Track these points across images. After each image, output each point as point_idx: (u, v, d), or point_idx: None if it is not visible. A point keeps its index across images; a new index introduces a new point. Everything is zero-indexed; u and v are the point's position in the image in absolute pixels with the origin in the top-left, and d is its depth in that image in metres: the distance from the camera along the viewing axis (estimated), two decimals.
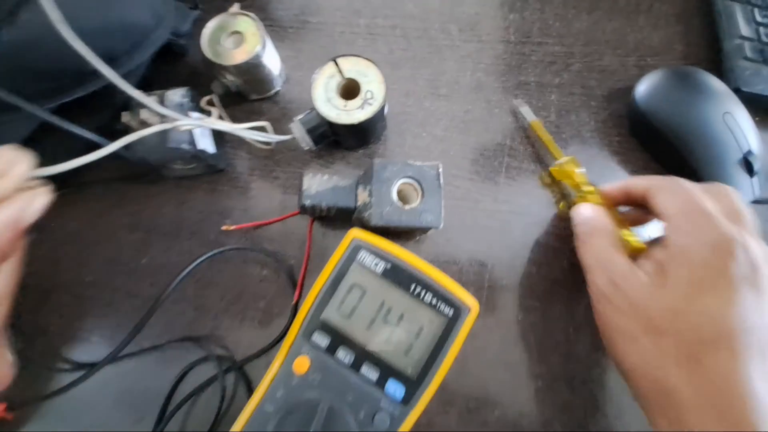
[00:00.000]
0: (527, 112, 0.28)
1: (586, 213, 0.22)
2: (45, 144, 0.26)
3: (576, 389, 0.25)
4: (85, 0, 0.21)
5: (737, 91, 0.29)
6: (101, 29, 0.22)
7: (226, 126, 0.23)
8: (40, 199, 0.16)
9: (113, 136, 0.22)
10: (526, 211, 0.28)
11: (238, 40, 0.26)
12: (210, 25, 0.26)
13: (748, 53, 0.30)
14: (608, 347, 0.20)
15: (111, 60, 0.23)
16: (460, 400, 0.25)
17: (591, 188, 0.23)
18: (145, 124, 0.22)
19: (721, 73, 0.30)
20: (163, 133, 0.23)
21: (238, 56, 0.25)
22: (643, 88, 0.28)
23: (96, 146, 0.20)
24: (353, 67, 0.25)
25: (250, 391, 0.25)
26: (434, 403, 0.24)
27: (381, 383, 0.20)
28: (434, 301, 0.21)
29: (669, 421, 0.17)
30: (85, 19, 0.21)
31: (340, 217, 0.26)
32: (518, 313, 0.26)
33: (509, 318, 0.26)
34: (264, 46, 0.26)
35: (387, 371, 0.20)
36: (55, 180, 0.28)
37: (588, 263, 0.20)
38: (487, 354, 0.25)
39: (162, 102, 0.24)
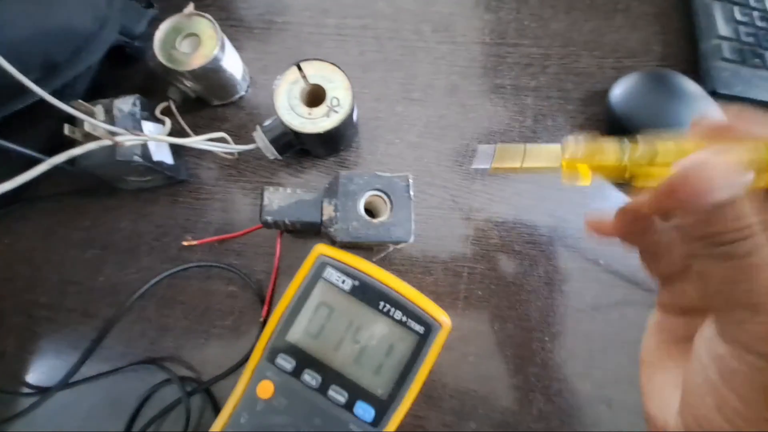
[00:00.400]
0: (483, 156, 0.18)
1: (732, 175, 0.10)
2: None
3: (552, 399, 0.25)
4: (16, 6, 0.19)
5: (713, 93, 0.28)
6: (37, 36, 0.20)
7: (180, 140, 0.22)
8: None
9: (61, 149, 0.20)
10: (502, 218, 0.27)
11: (195, 44, 0.24)
12: (163, 28, 0.24)
13: (726, 54, 0.29)
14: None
15: (51, 68, 0.21)
16: (436, 415, 0.24)
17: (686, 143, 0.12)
18: (90, 137, 0.21)
19: (698, 74, 0.29)
20: (111, 147, 0.21)
21: (194, 61, 0.24)
22: (618, 91, 0.28)
23: (37, 162, 0.19)
24: (318, 72, 0.24)
25: (217, 413, 0.24)
26: (408, 418, 0.23)
27: (350, 405, 0.19)
28: (404, 319, 0.20)
29: None
30: (17, 27, 0.19)
31: (306, 230, 0.25)
32: (494, 323, 0.26)
33: (485, 329, 0.25)
34: (223, 49, 0.24)
35: (356, 393, 0.19)
36: (2, 197, 0.26)
37: (758, 301, 0.10)
38: (463, 366, 0.25)
39: (110, 111, 0.22)
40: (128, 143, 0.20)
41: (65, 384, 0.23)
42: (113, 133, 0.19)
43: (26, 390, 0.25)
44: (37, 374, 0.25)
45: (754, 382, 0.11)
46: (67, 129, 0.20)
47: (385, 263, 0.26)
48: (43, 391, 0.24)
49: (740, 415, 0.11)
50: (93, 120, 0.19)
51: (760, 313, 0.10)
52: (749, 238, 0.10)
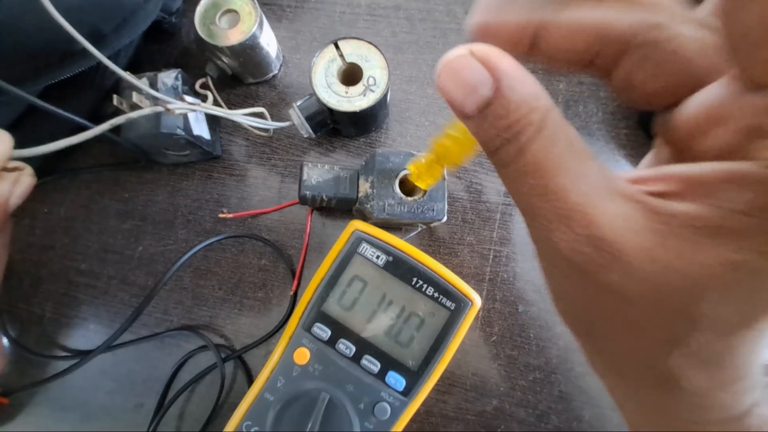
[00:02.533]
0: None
1: (474, 72, 0.09)
2: (31, 129, 0.25)
3: (572, 381, 0.25)
4: None
5: None
6: (87, 5, 0.20)
7: (223, 112, 0.22)
8: (25, 182, 0.15)
9: (102, 121, 0.21)
10: None
11: (234, 20, 0.25)
12: (204, 3, 0.24)
13: None
14: (574, 328, 0.13)
15: (98, 39, 0.22)
16: (459, 391, 0.25)
17: None
18: (136, 108, 0.21)
19: None
20: (156, 119, 0.22)
21: (233, 37, 0.24)
22: None
23: (83, 130, 0.19)
24: (355, 51, 0.24)
25: (250, 379, 0.25)
26: (432, 393, 0.24)
27: (382, 375, 0.20)
28: (436, 295, 0.21)
29: (659, 408, 0.12)
30: None
31: (341, 208, 0.25)
32: (518, 305, 0.26)
33: (509, 311, 0.26)
34: (261, 27, 0.25)
35: (388, 363, 0.20)
36: (45, 166, 0.27)
37: (526, 203, 0.10)
38: (486, 345, 0.26)
39: (154, 85, 0.22)
40: (177, 111, 0.20)
41: (107, 347, 0.25)
42: (163, 103, 0.20)
43: (64, 353, 0.26)
44: (74, 338, 0.27)
45: (548, 281, 0.12)
46: (115, 99, 0.21)
47: (413, 243, 0.27)
48: (83, 354, 0.25)
49: (558, 309, 0.12)
50: (151, 90, 0.19)
51: (532, 218, 0.10)
52: (508, 144, 0.09)
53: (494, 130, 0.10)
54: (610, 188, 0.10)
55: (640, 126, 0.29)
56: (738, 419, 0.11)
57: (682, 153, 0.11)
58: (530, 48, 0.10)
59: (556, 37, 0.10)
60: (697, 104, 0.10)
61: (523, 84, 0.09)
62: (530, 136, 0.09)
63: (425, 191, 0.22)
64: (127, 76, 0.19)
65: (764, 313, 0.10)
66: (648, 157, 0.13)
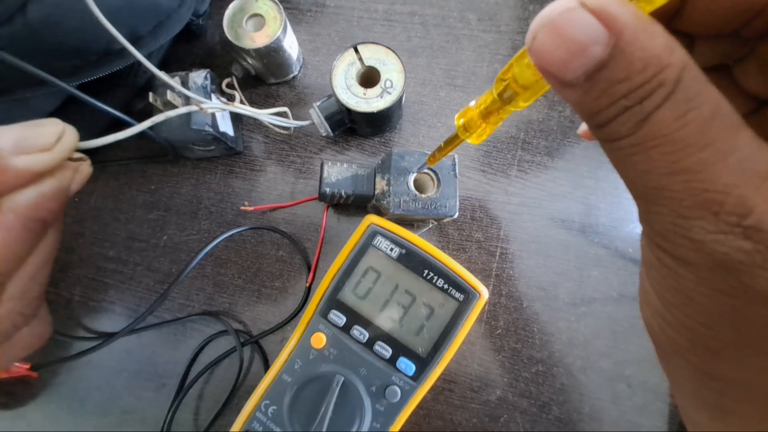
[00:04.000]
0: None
1: (586, 26, 0.07)
2: (66, 122, 0.26)
3: (573, 375, 0.26)
4: None
5: None
6: (126, 8, 0.22)
7: (252, 111, 0.24)
8: (84, 171, 0.17)
9: (133, 117, 0.23)
10: (536, 203, 0.28)
11: (259, 23, 0.26)
12: (232, 7, 0.26)
13: None
14: (681, 347, 0.10)
15: (135, 40, 0.23)
16: (464, 380, 0.26)
17: None
18: (169, 105, 0.23)
19: None
20: (187, 115, 0.23)
21: (258, 39, 0.26)
22: None
23: (119, 124, 0.21)
24: (373, 55, 0.25)
25: (266, 363, 0.27)
26: (439, 381, 0.25)
27: (393, 360, 0.21)
28: (446, 286, 0.22)
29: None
30: None
31: (356, 205, 0.26)
32: (523, 301, 0.27)
33: (514, 305, 0.27)
34: (285, 31, 0.26)
35: (399, 350, 0.21)
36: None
37: (652, 185, 0.08)
38: (491, 338, 0.27)
39: (185, 84, 0.24)
40: (210, 110, 0.22)
41: (131, 330, 0.26)
42: (197, 102, 0.21)
43: (90, 335, 0.28)
44: (101, 321, 0.28)
45: (666, 282, 0.09)
46: (151, 97, 0.23)
47: (424, 239, 0.28)
48: (108, 336, 0.27)
49: (660, 315, 0.10)
50: (186, 90, 0.21)
51: (655, 203, 0.08)
52: (628, 111, 0.07)
53: (608, 98, 0.08)
54: None
55: None
56: None
57: None
58: (674, 15, 0.08)
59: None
60: None
61: (651, 37, 0.07)
62: (659, 100, 0.07)
63: (438, 188, 0.23)
64: (163, 75, 0.20)
65: None
66: None
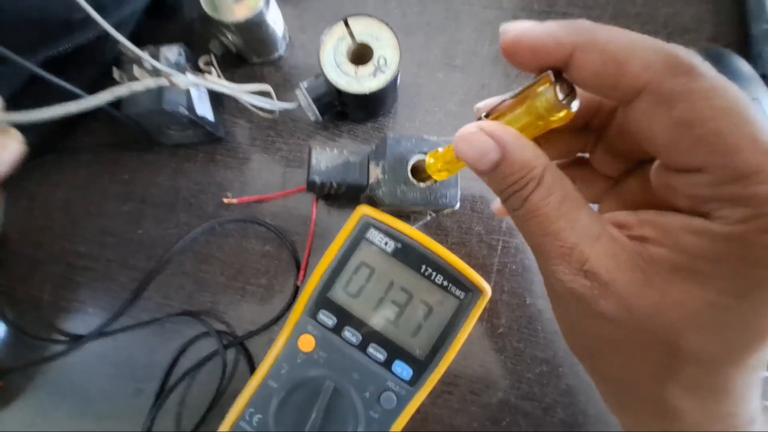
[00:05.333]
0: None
1: (483, 143, 0.12)
2: (29, 104, 0.24)
3: (579, 375, 0.25)
4: None
5: (764, 77, 0.27)
6: None
7: (227, 87, 0.21)
8: (12, 147, 0.14)
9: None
10: None
11: None
12: None
13: None
14: (577, 353, 0.14)
15: (98, 8, 0.21)
16: (464, 382, 0.25)
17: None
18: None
19: (748, 57, 0.28)
20: (158, 95, 0.21)
21: (239, 12, 0.23)
22: None
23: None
24: (365, 30, 0.23)
25: (252, 367, 0.25)
26: (438, 384, 0.24)
27: (388, 364, 0.20)
28: (445, 283, 0.20)
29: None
30: None
31: (348, 195, 0.24)
32: (526, 297, 0.26)
33: (517, 302, 0.25)
34: (267, 3, 0.24)
35: (394, 352, 0.20)
36: (43, 144, 0.26)
37: (533, 243, 0.12)
38: (493, 337, 0.25)
39: (156, 58, 0.21)
40: (181, 85, 0.19)
41: (99, 333, 0.24)
42: (166, 75, 0.19)
43: (60, 337, 0.26)
44: (73, 322, 0.26)
45: (556, 309, 0.14)
46: (115, 72, 0.20)
47: (421, 232, 0.26)
48: (75, 339, 0.25)
49: (563, 333, 0.14)
50: (154, 61, 0.18)
51: (538, 255, 0.12)
52: (515, 194, 0.12)
53: (503, 184, 0.12)
54: (600, 231, 0.12)
55: None
56: None
57: (652, 202, 0.13)
58: (563, 66, 0.12)
59: (586, 66, 0.11)
60: (655, 172, 0.12)
61: (524, 149, 0.12)
62: (532, 188, 0.12)
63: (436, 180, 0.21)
64: (129, 45, 0.18)
65: (747, 349, 0.11)
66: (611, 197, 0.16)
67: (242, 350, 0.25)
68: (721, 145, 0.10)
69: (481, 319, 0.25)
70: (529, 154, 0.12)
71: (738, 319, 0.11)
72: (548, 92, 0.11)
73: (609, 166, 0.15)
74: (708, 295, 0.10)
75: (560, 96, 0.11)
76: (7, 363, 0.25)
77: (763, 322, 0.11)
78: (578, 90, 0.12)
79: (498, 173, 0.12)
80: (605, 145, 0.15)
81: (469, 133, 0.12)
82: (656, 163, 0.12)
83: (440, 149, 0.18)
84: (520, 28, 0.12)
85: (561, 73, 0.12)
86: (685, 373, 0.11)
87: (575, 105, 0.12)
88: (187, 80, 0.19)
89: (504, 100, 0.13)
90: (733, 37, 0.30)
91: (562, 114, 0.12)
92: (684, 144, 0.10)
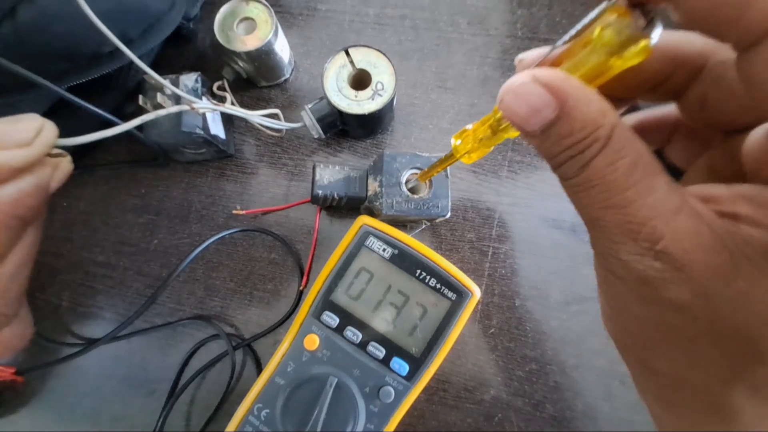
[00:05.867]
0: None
1: (538, 96, 0.10)
2: (57, 125, 0.26)
3: (566, 373, 0.26)
4: None
5: None
6: (117, 11, 0.22)
7: (243, 112, 0.24)
8: (64, 167, 0.16)
9: (122, 120, 0.22)
10: (527, 203, 0.29)
11: (250, 27, 0.26)
12: (223, 11, 0.26)
13: None
14: (623, 343, 0.12)
15: (125, 42, 0.23)
16: (459, 380, 0.26)
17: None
18: (159, 107, 0.23)
19: None
20: (177, 118, 0.23)
21: (250, 43, 0.26)
22: None
23: (110, 127, 0.21)
24: (364, 58, 0.26)
25: (259, 367, 0.26)
26: (433, 381, 0.25)
27: (386, 361, 0.21)
28: (438, 286, 0.22)
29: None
30: (100, 1, 0.21)
31: (348, 207, 0.26)
32: (515, 299, 0.27)
33: (507, 304, 0.27)
34: (276, 34, 0.26)
35: (392, 350, 0.21)
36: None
37: (592, 216, 0.10)
38: (485, 337, 0.27)
39: (176, 86, 0.24)
40: (202, 110, 0.22)
41: (114, 337, 0.26)
42: (188, 102, 0.21)
43: (78, 341, 0.27)
44: (90, 327, 0.28)
45: (609, 293, 0.11)
46: (140, 99, 0.22)
47: (417, 239, 0.28)
48: (92, 342, 0.26)
49: (611, 321, 0.12)
50: (177, 89, 0.21)
51: (596, 230, 0.10)
52: (572, 159, 0.10)
53: (558, 147, 0.10)
54: (680, 204, 0.09)
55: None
56: None
57: (749, 175, 0.10)
58: None
59: None
60: (759, 138, 0.10)
61: (588, 103, 0.09)
62: (596, 150, 0.09)
63: (430, 189, 0.23)
64: (156, 76, 0.20)
65: None
66: (699, 166, 0.13)
67: (250, 351, 0.26)
68: None
69: (473, 320, 0.27)
70: (594, 108, 0.09)
71: None
72: (620, 20, 0.09)
73: (697, 129, 0.13)
74: None
75: (638, 21, 0.09)
76: (26, 366, 0.26)
77: None
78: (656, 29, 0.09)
79: (553, 134, 0.10)
80: (690, 108, 0.12)
81: (520, 84, 0.10)
82: (762, 127, 0.10)
83: (468, 126, 0.15)
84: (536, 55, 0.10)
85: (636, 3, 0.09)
86: (759, 374, 0.10)
87: (657, 33, 0.09)
88: (206, 105, 0.22)
89: (555, 47, 0.11)
90: None
91: (640, 46, 0.09)
92: None
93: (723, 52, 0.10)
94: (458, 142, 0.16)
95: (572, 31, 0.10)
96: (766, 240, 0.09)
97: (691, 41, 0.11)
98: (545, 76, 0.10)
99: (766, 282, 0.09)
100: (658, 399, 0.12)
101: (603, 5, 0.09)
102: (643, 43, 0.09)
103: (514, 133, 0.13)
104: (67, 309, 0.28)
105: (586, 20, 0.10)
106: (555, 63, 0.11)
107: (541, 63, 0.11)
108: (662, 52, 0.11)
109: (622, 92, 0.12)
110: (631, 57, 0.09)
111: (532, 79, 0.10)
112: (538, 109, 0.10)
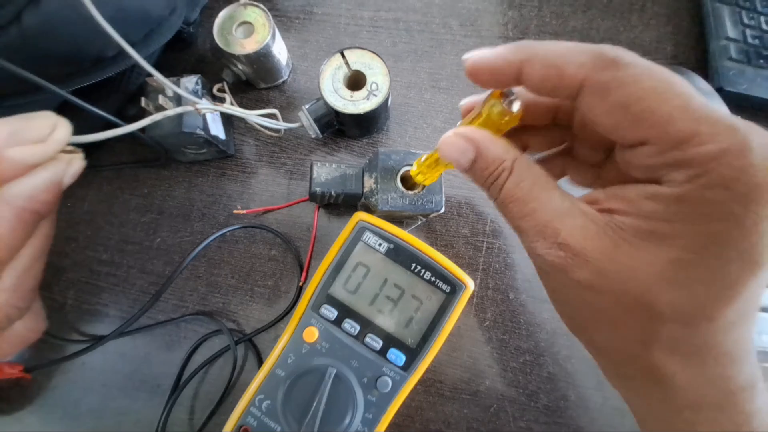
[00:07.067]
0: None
1: (460, 145, 0.14)
2: None
3: (559, 363, 0.27)
4: None
5: (720, 90, 0.30)
6: (119, 16, 0.23)
7: (242, 112, 0.24)
8: (77, 164, 0.17)
9: (125, 122, 0.23)
10: None
11: (248, 30, 0.27)
12: (221, 15, 0.27)
13: (733, 54, 0.31)
14: (570, 326, 0.15)
15: (129, 45, 0.24)
16: (454, 372, 0.27)
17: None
18: (161, 109, 0.23)
19: (706, 72, 0.31)
20: (178, 119, 0.24)
21: (248, 46, 0.26)
22: None
23: (113, 128, 0.22)
24: (359, 60, 0.27)
25: (260, 361, 0.27)
26: (429, 373, 0.26)
27: (383, 351, 0.22)
28: (433, 279, 0.23)
29: (659, 407, 0.13)
30: (103, 6, 0.22)
31: (346, 204, 0.27)
32: (509, 293, 0.28)
33: (501, 298, 0.28)
34: (273, 37, 0.27)
35: (389, 341, 0.22)
36: None
37: (514, 225, 0.14)
38: (480, 330, 0.28)
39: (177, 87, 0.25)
40: (204, 111, 0.22)
41: (119, 333, 0.26)
42: (190, 103, 0.22)
43: (83, 338, 0.28)
44: (95, 324, 0.28)
45: (544, 283, 0.15)
46: (143, 101, 0.23)
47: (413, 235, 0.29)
48: (98, 339, 0.27)
49: (553, 307, 0.16)
50: (180, 90, 0.21)
51: (521, 236, 0.14)
52: (492, 185, 0.14)
53: (482, 177, 0.14)
54: (570, 207, 0.13)
55: None
56: (744, 422, 0.12)
57: (620, 179, 0.14)
58: (513, 84, 0.14)
59: (533, 76, 0.13)
60: (616, 153, 0.14)
61: (494, 145, 0.14)
62: (505, 177, 0.14)
63: (424, 185, 0.24)
64: (161, 78, 0.21)
65: (719, 302, 0.11)
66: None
67: (251, 346, 0.27)
68: (655, 118, 0.11)
69: (468, 313, 0.28)
70: (499, 149, 0.14)
71: (703, 273, 0.11)
72: (496, 104, 0.15)
73: (588, 154, 0.17)
74: (671, 253, 0.11)
75: (504, 104, 0.14)
76: (34, 361, 0.27)
77: (729, 274, 0.11)
78: (525, 96, 0.15)
79: (476, 168, 0.14)
80: (577, 138, 0.17)
81: (448, 137, 0.15)
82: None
83: (422, 158, 0.22)
84: (477, 56, 0.14)
85: (505, 92, 0.15)
86: (666, 333, 0.12)
87: (516, 106, 0.15)
88: (208, 106, 0.23)
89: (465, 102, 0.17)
90: (691, 55, 0.33)
91: (508, 117, 0.15)
92: (625, 124, 0.12)
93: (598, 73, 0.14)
94: (414, 167, 0.23)
95: (477, 106, 0.16)
96: (632, 223, 0.12)
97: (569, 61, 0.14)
98: (462, 131, 0.14)
99: (640, 255, 0.12)
100: (613, 377, 0.15)
101: (486, 93, 0.15)
102: (508, 116, 0.15)
103: (449, 166, 0.19)
104: (72, 307, 0.29)
105: (485, 97, 0.15)
106: (472, 120, 0.16)
107: (465, 121, 0.17)
108: (543, 100, 0.16)
109: (536, 121, 0.17)
110: (509, 121, 0.15)
111: (454, 133, 0.15)
112: (462, 152, 0.14)
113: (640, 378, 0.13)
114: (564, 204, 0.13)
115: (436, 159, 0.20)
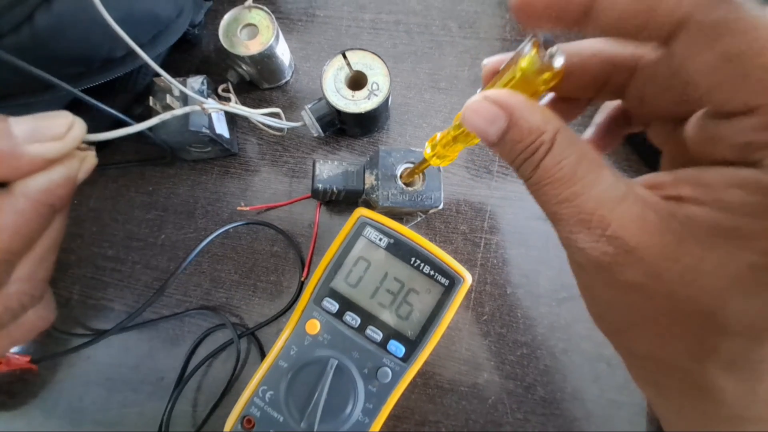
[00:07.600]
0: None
1: (490, 112, 0.12)
2: None
3: (557, 356, 0.28)
4: None
5: None
6: (128, 18, 0.23)
7: (246, 111, 0.25)
8: (91, 160, 0.18)
9: (133, 120, 0.24)
10: (517, 197, 0.30)
11: (253, 32, 0.28)
12: (226, 18, 0.27)
13: None
14: (602, 328, 0.13)
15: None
16: (453, 365, 0.27)
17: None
18: (168, 108, 0.24)
19: None
20: (185, 118, 0.25)
21: (252, 47, 0.27)
22: None
23: (123, 127, 0.22)
24: (360, 60, 0.27)
25: (263, 354, 0.28)
26: (429, 366, 0.27)
27: (384, 343, 0.23)
28: (432, 273, 0.23)
29: (696, 417, 0.12)
30: (113, 8, 0.23)
31: (347, 200, 0.28)
32: (507, 288, 0.29)
33: (498, 293, 0.29)
34: (277, 39, 0.28)
35: (389, 333, 0.23)
36: None
37: (549, 211, 0.12)
38: (478, 324, 0.28)
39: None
40: (211, 110, 0.23)
41: (124, 327, 0.27)
42: (196, 103, 0.23)
43: (88, 332, 0.28)
44: (100, 318, 0.29)
45: (579, 282, 0.12)
46: (151, 101, 0.24)
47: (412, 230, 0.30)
48: (101, 333, 0.28)
49: (588, 308, 0.13)
50: (188, 90, 0.22)
51: (556, 223, 0.11)
52: (526, 161, 0.11)
53: (514, 152, 0.11)
54: (625, 193, 0.10)
55: (630, 145, 0.31)
56: None
57: (693, 160, 0.11)
58: (580, 21, 0.10)
59: (613, 7, 0.10)
60: (695, 125, 0.11)
61: (532, 113, 0.11)
62: (543, 153, 0.11)
63: (423, 182, 0.25)
64: (169, 78, 0.22)
65: None
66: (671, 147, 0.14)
67: (254, 340, 0.28)
68: None
69: (466, 308, 0.28)
70: (537, 117, 0.11)
71: None
72: (531, 52, 0.11)
73: (637, 129, 0.14)
74: (753, 257, 0.09)
75: (543, 54, 0.11)
76: (40, 353, 0.28)
77: None
78: (577, 49, 0.12)
79: (507, 141, 0.11)
80: (631, 104, 0.14)
81: (475, 102, 0.12)
82: (696, 115, 0.11)
83: (436, 137, 0.18)
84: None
85: (545, 41, 0.11)
86: (726, 347, 0.10)
87: (560, 61, 0.11)
88: (215, 106, 0.23)
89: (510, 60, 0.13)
90: None
91: (548, 75, 0.11)
92: (732, 82, 0.09)
93: (651, 52, 0.12)
94: (428, 149, 0.19)
95: (508, 60, 0.13)
96: (708, 216, 0.10)
97: (622, 47, 0.12)
98: (493, 95, 0.11)
99: (712, 257, 0.10)
100: (647, 384, 0.13)
101: (524, 43, 0.12)
102: (549, 73, 0.11)
103: (474, 141, 0.16)
104: (78, 302, 0.29)
105: (514, 54, 0.12)
106: (497, 80, 0.13)
107: (490, 85, 0.13)
108: (598, 58, 0.13)
109: (575, 93, 0.14)
110: (549, 80, 0.12)
111: (483, 97, 0.12)
112: (492, 121, 0.11)
113: (681, 388, 0.11)
114: (617, 188, 0.10)
115: (455, 136, 0.17)
